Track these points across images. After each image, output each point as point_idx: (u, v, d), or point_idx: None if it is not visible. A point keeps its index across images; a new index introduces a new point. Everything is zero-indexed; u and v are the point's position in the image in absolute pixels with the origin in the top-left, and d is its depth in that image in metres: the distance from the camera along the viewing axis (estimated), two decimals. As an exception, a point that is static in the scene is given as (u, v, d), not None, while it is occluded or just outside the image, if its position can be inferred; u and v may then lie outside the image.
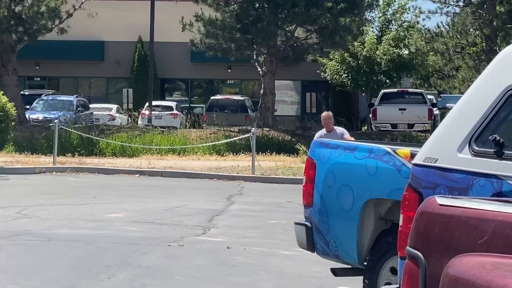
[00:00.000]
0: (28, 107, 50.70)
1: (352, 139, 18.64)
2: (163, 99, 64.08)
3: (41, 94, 55.97)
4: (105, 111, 56.65)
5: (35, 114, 49.68)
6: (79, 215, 19.69)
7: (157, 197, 24.15)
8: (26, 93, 55.86)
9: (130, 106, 57.22)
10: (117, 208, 21.23)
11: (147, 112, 53.08)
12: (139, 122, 52.71)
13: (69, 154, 35.87)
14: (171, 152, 38.27)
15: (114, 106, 58.56)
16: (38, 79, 67.88)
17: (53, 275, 12.71)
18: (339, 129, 21.59)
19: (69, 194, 24.66)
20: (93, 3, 51.10)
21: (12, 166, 32.20)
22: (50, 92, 58.51)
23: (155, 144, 39.21)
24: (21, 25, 47.69)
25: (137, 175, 31.30)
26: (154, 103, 54.70)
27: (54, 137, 34.29)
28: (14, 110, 33.70)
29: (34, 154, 36.42)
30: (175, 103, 60.96)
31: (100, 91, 67.60)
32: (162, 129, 46.64)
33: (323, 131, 21.59)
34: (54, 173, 31.41)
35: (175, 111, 56.88)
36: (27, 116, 48.06)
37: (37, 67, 64.12)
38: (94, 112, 54.36)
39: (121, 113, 57.50)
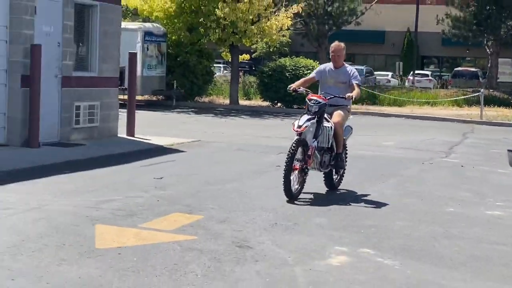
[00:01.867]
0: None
1: (356, 90, 11.15)
2: (422, 69, 63.73)
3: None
4: (383, 76, 56.91)
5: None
6: (364, 142, 19.79)
7: (416, 132, 23.94)
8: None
9: (400, 73, 57.44)
10: (389, 139, 21.18)
11: (411, 78, 53.88)
12: (406, 84, 53.14)
13: (359, 103, 35.90)
14: (426, 104, 37.73)
15: (389, 73, 58.79)
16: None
17: (344, 179, 12.91)
18: (350, 69, 11.57)
19: (358, 129, 24.76)
20: (379, 5, 52.01)
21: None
22: (348, 63, 58.92)
23: (416, 98, 38.81)
24: (331, 19, 48.39)
25: (404, 118, 31.05)
26: (416, 72, 55.45)
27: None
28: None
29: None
30: (430, 72, 61.60)
31: (380, 64, 67.43)
32: (421, 89, 46.46)
33: (327, 65, 11.75)
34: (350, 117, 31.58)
35: (430, 77, 57.09)
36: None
37: (340, 47, 64.81)
38: (376, 77, 54.68)
39: (394, 78, 57.49)
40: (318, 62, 33.39)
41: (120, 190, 10.64)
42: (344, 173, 11.82)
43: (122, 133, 17.82)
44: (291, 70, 31.06)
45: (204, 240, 7.81)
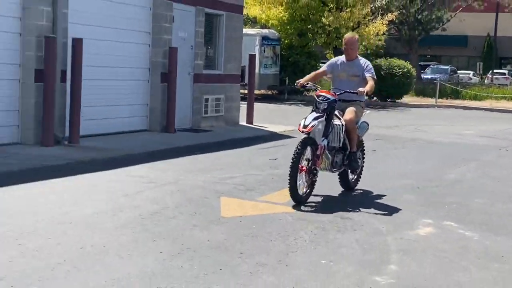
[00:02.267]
0: (422, 71, 50.52)
1: (370, 84, 8.73)
2: (500, 68, 61.73)
3: (429, 65, 55.73)
4: (465, 75, 55.40)
5: (426, 75, 49.37)
6: (448, 131, 19.36)
7: (493, 123, 23.14)
8: (421, 64, 55.35)
9: (480, 72, 55.96)
10: (470, 128, 20.56)
11: (490, 76, 52.64)
12: (485, 81, 51.88)
13: (444, 98, 35.11)
14: (503, 99, 36.44)
15: (471, 72, 57.15)
16: (429, 56, 66.86)
17: (430, 162, 12.63)
18: (363, 61, 9.10)
19: (442, 119, 24.24)
20: (462, 13, 50.94)
21: (413, 103, 32.04)
22: (435, 64, 58.10)
23: (494, 94, 37.60)
24: (420, 26, 47.44)
25: (483, 111, 30.11)
26: (494, 71, 54.06)
27: (436, 88, 33.69)
28: (414, 72, 33.60)
29: (424, 97, 35.97)
30: (507, 71, 59.60)
31: (463, 64, 65.54)
32: (499, 86, 45.12)
33: (339, 58, 9.29)
34: (435, 108, 30.87)
35: (507, 76, 55.34)
36: (422, 76, 47.87)
37: (428, 49, 63.23)
38: (459, 75, 53.36)
39: (475, 76, 55.91)
40: (409, 62, 32.98)
41: (241, 168, 10.74)
42: (361, 172, 9.50)
43: (242, 121, 17.98)
44: (385, 69, 30.56)
45: (311, 212, 7.81)
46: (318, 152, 8.15)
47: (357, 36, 9.13)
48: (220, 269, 5.49)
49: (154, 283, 5.07)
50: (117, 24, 13.82)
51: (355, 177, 9.37)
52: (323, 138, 8.20)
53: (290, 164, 7.88)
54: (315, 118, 8.14)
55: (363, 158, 9.48)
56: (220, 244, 6.24)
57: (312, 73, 9.33)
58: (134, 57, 14.44)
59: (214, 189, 8.76)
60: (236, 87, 18.04)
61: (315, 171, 8.19)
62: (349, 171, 9.09)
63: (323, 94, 8.40)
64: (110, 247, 5.95)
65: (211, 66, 17.11)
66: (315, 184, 8.29)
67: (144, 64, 14.74)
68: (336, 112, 8.49)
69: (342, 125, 8.48)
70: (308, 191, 8.18)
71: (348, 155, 8.76)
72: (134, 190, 8.54)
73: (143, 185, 8.86)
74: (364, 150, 9.52)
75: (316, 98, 8.40)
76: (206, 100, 16.58)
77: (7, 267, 5.26)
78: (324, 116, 8.24)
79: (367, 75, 8.79)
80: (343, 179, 9.20)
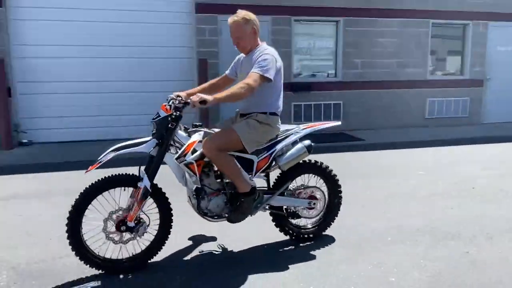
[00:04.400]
0: None
1: (239, 86, 4.06)
2: None
3: None
4: None
5: None
6: None
7: None
8: None
9: None
10: None
11: None
12: None
13: None
14: None
15: None
16: None
17: None
18: (259, 52, 4.28)
19: None
20: None
21: None
22: None
23: None
24: None
25: None
26: None
27: None
28: None
29: None
30: None
31: None
32: None
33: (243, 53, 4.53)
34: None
35: None
36: None
37: None
38: None
39: None
40: None
41: None
42: (333, 219, 4.90)
43: None
44: None
45: None
46: (134, 198, 4.23)
47: (242, 15, 4.46)
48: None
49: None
50: None
51: (312, 227, 4.92)
52: (144, 174, 4.21)
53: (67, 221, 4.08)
54: (119, 148, 4.19)
55: (337, 199, 4.93)
56: None
57: (208, 82, 4.83)
58: None
59: None
60: None
61: (125, 228, 4.17)
62: (287, 212, 4.82)
63: (160, 110, 4.30)
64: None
65: None
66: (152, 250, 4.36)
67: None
68: (197, 137, 4.40)
69: (181, 155, 4.33)
70: (125, 261, 4.26)
71: (231, 199, 4.52)
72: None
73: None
74: (339, 189, 4.94)
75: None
76: None
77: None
78: (153, 144, 4.26)
79: (252, 71, 4.30)
80: (280, 224, 4.85)
